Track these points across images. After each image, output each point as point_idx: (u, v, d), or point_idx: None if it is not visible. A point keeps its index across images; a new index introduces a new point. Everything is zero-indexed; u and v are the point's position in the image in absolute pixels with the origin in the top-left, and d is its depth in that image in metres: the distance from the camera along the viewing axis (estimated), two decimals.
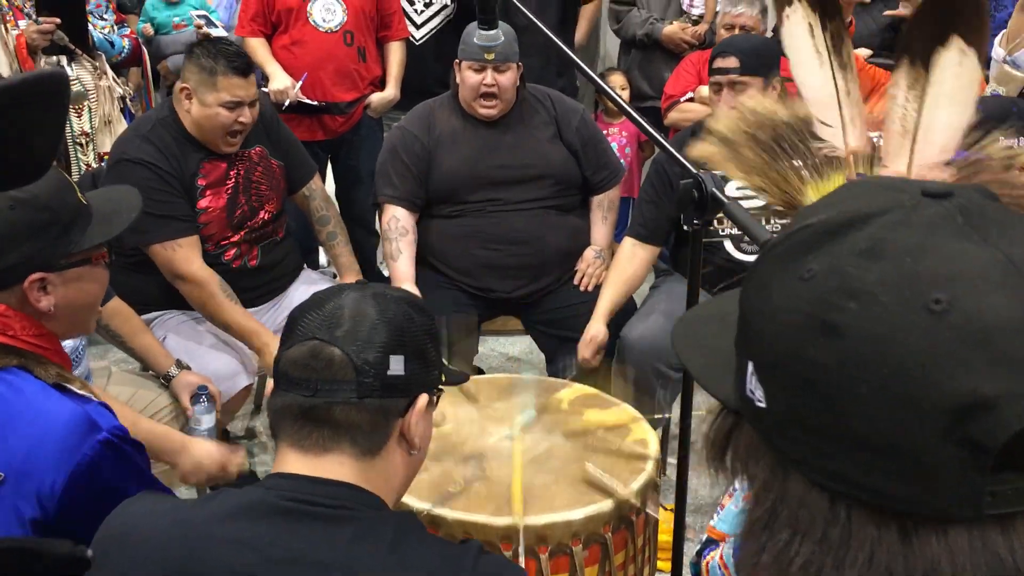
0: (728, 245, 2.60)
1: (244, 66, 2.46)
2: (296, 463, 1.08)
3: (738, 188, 2.59)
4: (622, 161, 3.43)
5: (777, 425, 0.54)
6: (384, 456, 1.10)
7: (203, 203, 2.52)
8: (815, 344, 0.51)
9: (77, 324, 1.46)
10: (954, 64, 0.84)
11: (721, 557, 1.18)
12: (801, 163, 1.14)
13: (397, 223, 2.72)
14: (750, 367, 0.56)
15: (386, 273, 3.63)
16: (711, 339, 0.65)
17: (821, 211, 0.56)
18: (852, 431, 0.50)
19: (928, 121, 0.89)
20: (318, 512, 1.03)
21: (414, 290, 2.54)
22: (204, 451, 1.93)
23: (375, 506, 1.07)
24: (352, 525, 1.03)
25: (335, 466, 1.07)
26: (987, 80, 2.85)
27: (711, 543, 1.24)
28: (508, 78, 2.64)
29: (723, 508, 1.27)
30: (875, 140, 1.07)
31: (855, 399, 0.50)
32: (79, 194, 1.43)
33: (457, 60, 2.70)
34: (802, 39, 0.99)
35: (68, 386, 1.33)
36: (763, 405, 0.55)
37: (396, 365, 1.08)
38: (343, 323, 1.08)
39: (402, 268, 2.67)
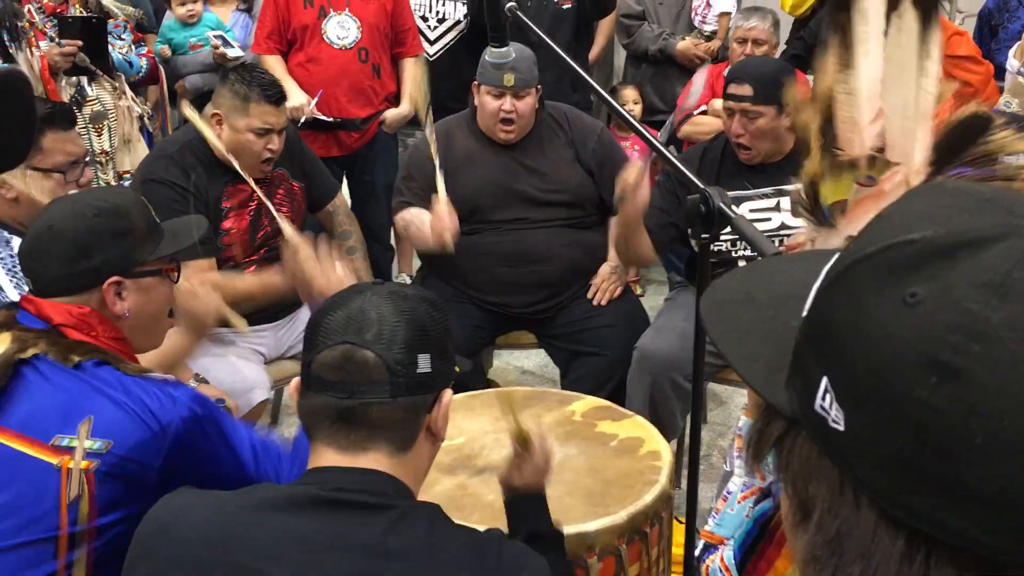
0: (742, 265, 2.60)
1: (278, 95, 2.51)
2: (334, 461, 1.12)
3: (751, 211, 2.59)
4: None
5: (856, 451, 0.50)
6: (415, 450, 1.15)
7: (226, 224, 2.55)
8: (926, 385, 0.47)
9: (147, 334, 1.58)
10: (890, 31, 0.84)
11: (722, 559, 1.19)
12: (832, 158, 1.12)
13: (411, 212, 2.71)
14: (824, 382, 0.51)
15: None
16: (746, 325, 0.60)
17: (921, 223, 0.51)
18: (955, 478, 0.47)
19: (889, 108, 0.87)
20: (357, 500, 1.07)
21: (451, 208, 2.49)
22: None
23: (409, 495, 1.13)
24: (389, 513, 1.07)
25: (371, 463, 1.12)
26: (1000, 91, 2.85)
27: (709, 548, 1.25)
28: (527, 104, 2.65)
29: (718, 512, 1.28)
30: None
31: (967, 448, 0.46)
32: (153, 213, 1.59)
33: (476, 83, 2.71)
34: (901, 48, 0.95)
35: (149, 376, 1.44)
36: (840, 427, 0.50)
37: (424, 363, 1.13)
38: (371, 325, 1.12)
39: (425, 216, 2.59)
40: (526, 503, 1.41)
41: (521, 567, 1.09)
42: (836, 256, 0.55)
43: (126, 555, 1.13)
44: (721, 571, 1.18)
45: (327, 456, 1.12)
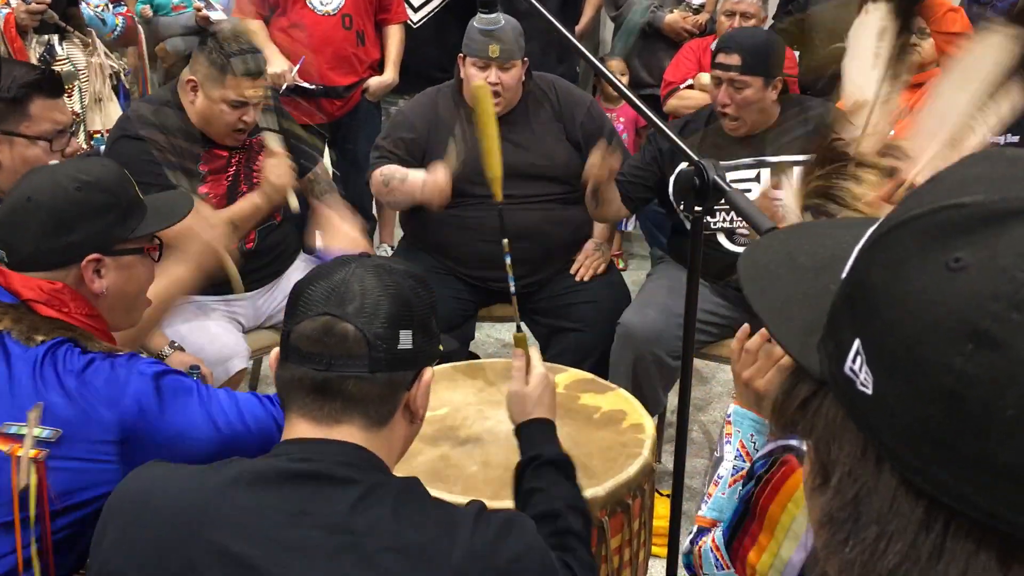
0: (721, 238, 2.60)
1: (256, 69, 2.45)
2: (306, 432, 1.10)
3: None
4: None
5: (883, 416, 0.49)
6: (390, 427, 1.13)
7: (204, 189, 2.51)
8: (962, 352, 0.46)
9: (124, 312, 1.53)
10: (995, 45, 0.84)
11: (713, 540, 1.20)
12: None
13: (388, 167, 2.65)
14: (856, 344, 0.50)
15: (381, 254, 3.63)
16: (783, 283, 0.59)
17: (976, 187, 0.49)
18: (983, 450, 0.46)
19: (949, 113, 0.88)
20: (323, 472, 1.06)
21: (444, 173, 2.50)
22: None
23: (380, 468, 1.11)
24: (356, 487, 1.05)
25: (345, 435, 1.10)
26: None
27: (702, 531, 1.26)
28: (512, 76, 2.61)
29: (710, 497, 1.29)
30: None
31: (999, 420, 0.45)
32: (137, 189, 1.52)
33: (461, 55, 2.67)
34: (869, 38, 0.97)
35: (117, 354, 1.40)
36: (868, 391, 0.49)
37: (406, 339, 1.11)
38: (353, 298, 1.09)
39: (417, 173, 2.58)
40: (535, 426, 1.39)
41: (493, 551, 1.05)
42: (883, 218, 0.53)
43: (91, 535, 1.11)
44: (712, 552, 1.19)
45: (300, 427, 1.11)
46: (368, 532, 1.02)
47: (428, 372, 1.16)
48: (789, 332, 0.56)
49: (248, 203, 2.45)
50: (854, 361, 0.50)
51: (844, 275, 0.54)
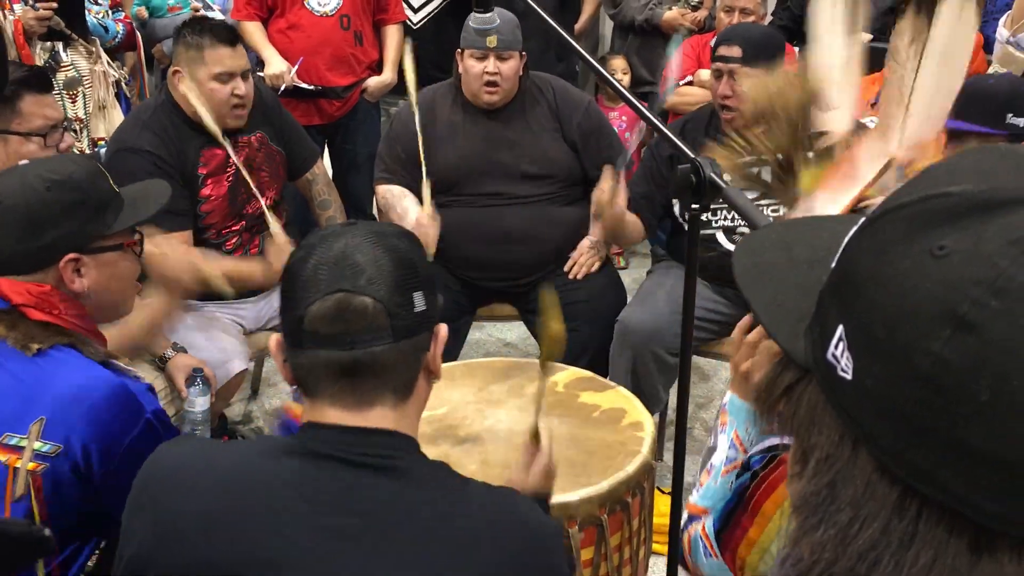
0: (720, 236, 2.60)
1: (230, 37, 2.46)
2: (340, 418, 1.07)
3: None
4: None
5: (861, 402, 0.50)
6: (415, 394, 1.12)
7: (205, 191, 2.52)
8: (939, 337, 0.46)
9: (110, 309, 1.51)
10: (954, 17, 0.84)
11: (703, 528, 1.20)
12: (805, 149, 1.14)
13: (391, 192, 2.71)
14: (840, 331, 0.51)
15: None
16: (777, 272, 0.59)
17: (964, 179, 0.50)
18: (956, 435, 0.46)
19: (923, 84, 0.89)
20: (367, 462, 1.05)
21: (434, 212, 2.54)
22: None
23: (415, 449, 1.10)
24: (400, 474, 1.05)
25: (378, 417, 1.08)
26: (988, 64, 2.85)
27: (692, 518, 1.26)
28: (510, 66, 2.62)
29: (702, 485, 1.29)
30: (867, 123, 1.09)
31: (972, 404, 0.46)
32: (111, 182, 1.48)
33: (459, 49, 2.67)
34: (826, 9, 0.98)
35: (114, 363, 1.38)
36: (847, 376, 0.50)
37: (419, 301, 1.08)
38: (362, 269, 1.05)
39: (412, 212, 2.62)
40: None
41: (540, 526, 1.10)
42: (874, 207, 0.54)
43: (90, 548, 1.10)
44: (702, 539, 1.19)
45: (330, 414, 1.07)
46: (420, 516, 1.02)
47: (443, 328, 1.14)
48: (779, 321, 0.57)
49: (248, 269, 2.44)
50: (836, 347, 0.51)
51: (833, 263, 0.54)
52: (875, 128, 1.18)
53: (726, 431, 1.29)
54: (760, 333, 1.26)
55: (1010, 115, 2.16)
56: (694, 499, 1.29)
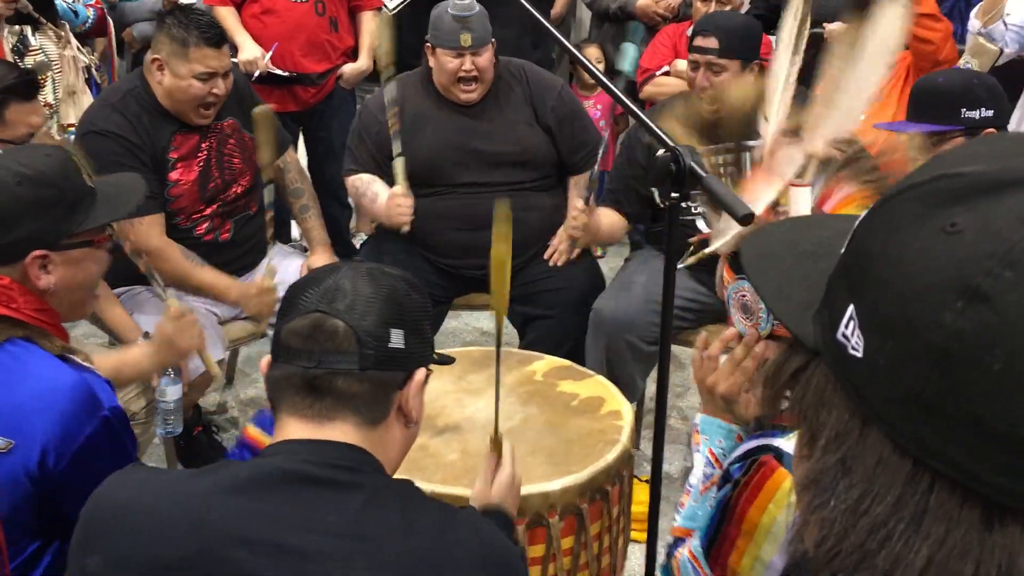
0: (701, 223, 2.60)
1: (217, 37, 2.43)
2: (299, 431, 1.09)
3: None
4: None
5: (872, 380, 0.50)
6: (385, 427, 1.12)
7: (174, 176, 2.48)
8: (952, 308, 0.46)
9: (75, 306, 1.48)
10: (885, 18, 0.86)
11: (690, 550, 1.19)
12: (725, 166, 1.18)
13: (361, 180, 2.70)
14: (850, 310, 0.51)
15: (358, 245, 3.60)
16: (783, 266, 0.60)
17: (977, 160, 0.50)
18: (968, 409, 0.46)
19: (850, 84, 0.91)
20: (326, 477, 1.04)
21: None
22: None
23: (378, 468, 1.09)
24: (361, 492, 1.04)
25: (338, 434, 1.08)
26: (960, 54, 2.87)
27: (678, 542, 1.25)
28: (486, 59, 2.61)
29: (683, 506, 1.28)
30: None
31: (984, 375, 0.46)
32: (85, 176, 1.45)
33: (428, 45, 2.65)
34: (789, 25, 1.01)
35: (72, 357, 1.35)
36: (858, 355, 0.50)
37: (397, 338, 1.10)
38: (344, 296, 1.09)
39: (383, 195, 2.63)
40: (490, 512, 1.33)
41: (500, 548, 1.09)
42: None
43: (71, 539, 1.05)
44: (690, 561, 1.18)
45: (292, 427, 1.09)
46: (378, 537, 1.01)
47: (421, 372, 1.14)
48: (787, 309, 0.58)
49: (223, 285, 2.49)
50: (847, 327, 0.51)
51: (843, 249, 0.55)
52: (796, 128, 1.23)
53: (700, 450, 1.29)
54: (720, 346, 1.28)
55: (964, 109, 2.19)
56: (678, 522, 1.28)
